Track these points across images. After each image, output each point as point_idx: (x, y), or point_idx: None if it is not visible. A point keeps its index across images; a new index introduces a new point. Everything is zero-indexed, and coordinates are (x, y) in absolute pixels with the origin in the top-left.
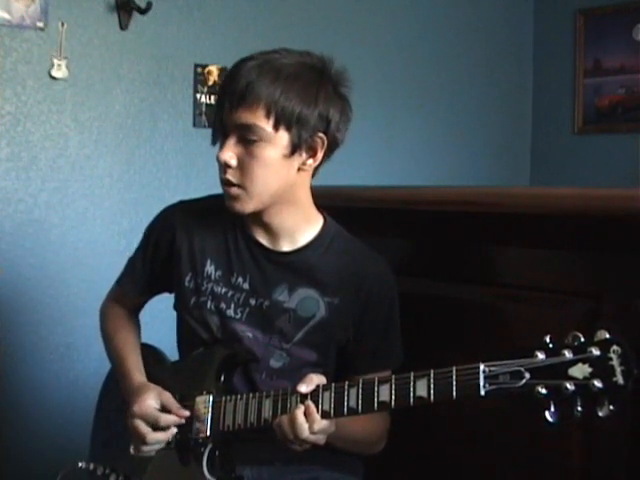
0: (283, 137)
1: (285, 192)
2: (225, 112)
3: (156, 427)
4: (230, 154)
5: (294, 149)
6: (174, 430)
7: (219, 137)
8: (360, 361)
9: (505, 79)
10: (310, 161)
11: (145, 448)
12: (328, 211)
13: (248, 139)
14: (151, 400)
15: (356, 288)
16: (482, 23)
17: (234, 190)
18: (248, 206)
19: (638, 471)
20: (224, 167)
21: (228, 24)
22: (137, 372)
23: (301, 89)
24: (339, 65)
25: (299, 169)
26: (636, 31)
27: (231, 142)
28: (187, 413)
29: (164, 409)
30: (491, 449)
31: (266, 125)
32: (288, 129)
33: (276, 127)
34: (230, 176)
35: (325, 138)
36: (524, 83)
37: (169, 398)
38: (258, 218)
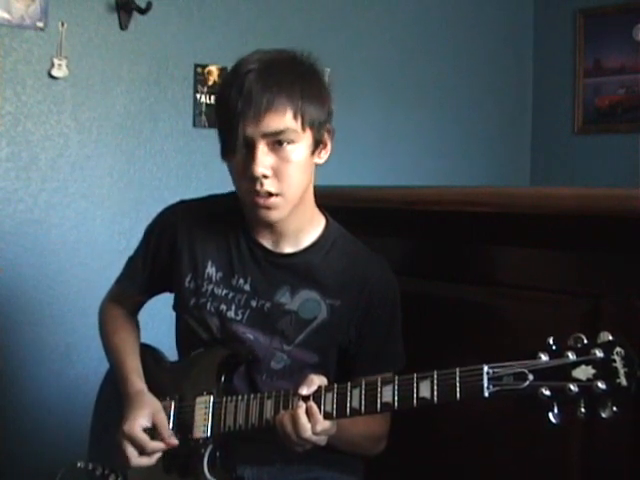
0: (308, 135)
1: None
2: (247, 124)
3: (142, 452)
4: (265, 165)
5: (316, 145)
6: (159, 455)
7: (236, 151)
8: (362, 363)
9: (505, 79)
10: (323, 153)
11: (129, 467)
12: (328, 211)
13: (280, 144)
14: (142, 419)
15: (358, 290)
16: (482, 23)
17: (272, 200)
18: (285, 212)
19: (638, 472)
20: (260, 179)
21: (228, 24)
22: (135, 376)
23: (314, 85)
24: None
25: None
26: (636, 31)
27: (262, 152)
28: (176, 442)
29: (155, 430)
30: (491, 449)
31: (296, 126)
32: (311, 126)
33: (303, 126)
34: (269, 187)
35: (331, 128)
36: (524, 83)
37: (162, 420)
38: (265, 220)
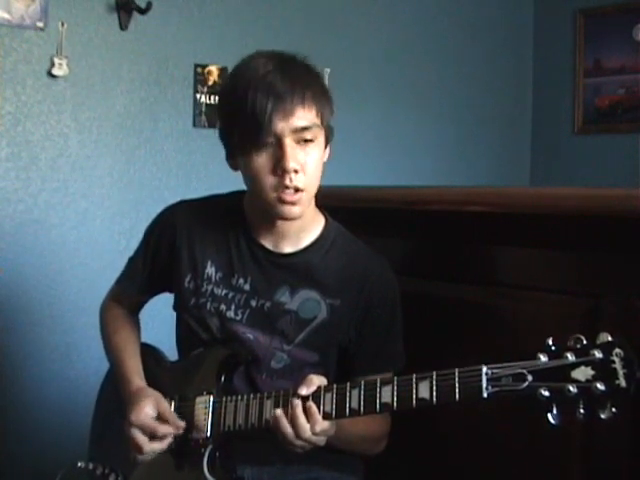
0: (323, 133)
1: None
2: (278, 120)
3: (153, 437)
4: (296, 160)
5: (326, 144)
6: (170, 440)
7: (264, 147)
8: (361, 362)
9: (505, 79)
10: (326, 153)
11: (142, 457)
12: (328, 211)
13: (305, 141)
14: (148, 408)
15: (358, 289)
16: (482, 23)
17: (298, 195)
18: (305, 208)
19: (638, 472)
20: (291, 174)
21: (228, 24)
22: (135, 375)
23: (323, 86)
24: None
25: None
26: (636, 31)
27: (291, 148)
28: (183, 424)
29: (161, 418)
30: (491, 449)
31: (318, 123)
32: (326, 125)
33: (322, 124)
34: (298, 182)
35: (332, 129)
36: (524, 83)
37: (166, 407)
38: (270, 220)
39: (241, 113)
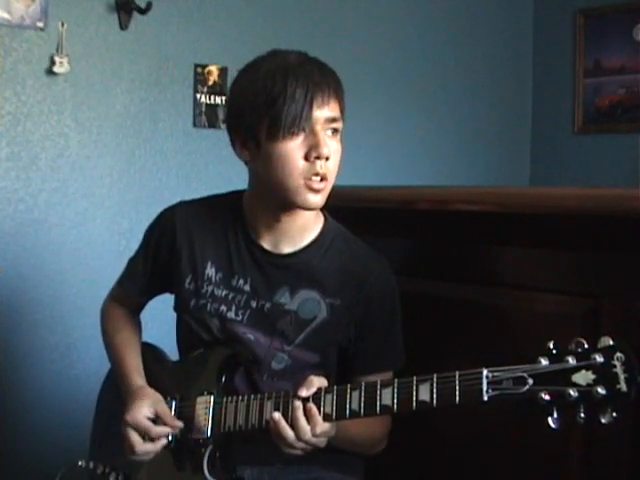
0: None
1: None
2: (315, 108)
3: (148, 437)
4: (328, 147)
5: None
6: (164, 441)
7: (299, 134)
8: (362, 362)
9: (505, 79)
10: None
11: (134, 457)
12: (328, 211)
13: (332, 131)
14: (144, 409)
15: (357, 288)
16: (482, 23)
17: (323, 184)
18: (325, 199)
19: (638, 475)
20: (323, 161)
21: (228, 24)
22: (136, 374)
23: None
24: None
25: None
26: (636, 31)
27: (324, 135)
28: (180, 424)
29: (158, 418)
30: (491, 450)
31: (341, 117)
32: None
33: (342, 119)
34: (326, 170)
35: None
36: (524, 83)
37: (164, 408)
38: (274, 218)
39: (278, 99)
